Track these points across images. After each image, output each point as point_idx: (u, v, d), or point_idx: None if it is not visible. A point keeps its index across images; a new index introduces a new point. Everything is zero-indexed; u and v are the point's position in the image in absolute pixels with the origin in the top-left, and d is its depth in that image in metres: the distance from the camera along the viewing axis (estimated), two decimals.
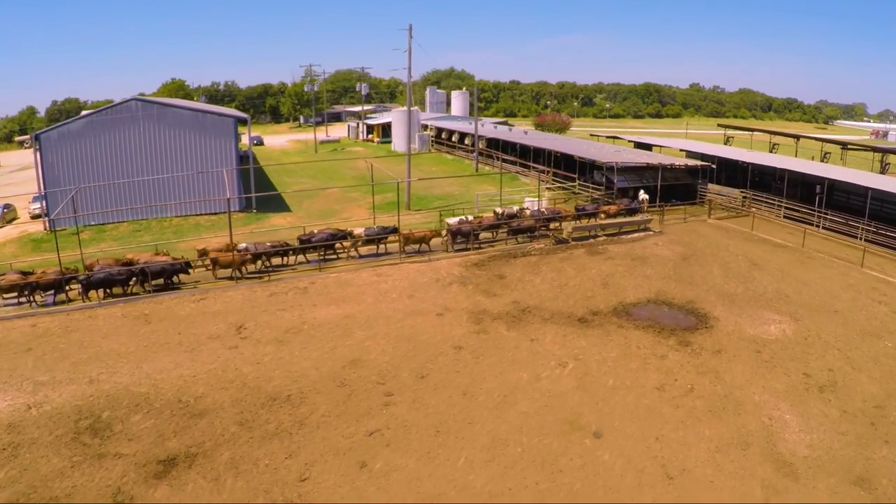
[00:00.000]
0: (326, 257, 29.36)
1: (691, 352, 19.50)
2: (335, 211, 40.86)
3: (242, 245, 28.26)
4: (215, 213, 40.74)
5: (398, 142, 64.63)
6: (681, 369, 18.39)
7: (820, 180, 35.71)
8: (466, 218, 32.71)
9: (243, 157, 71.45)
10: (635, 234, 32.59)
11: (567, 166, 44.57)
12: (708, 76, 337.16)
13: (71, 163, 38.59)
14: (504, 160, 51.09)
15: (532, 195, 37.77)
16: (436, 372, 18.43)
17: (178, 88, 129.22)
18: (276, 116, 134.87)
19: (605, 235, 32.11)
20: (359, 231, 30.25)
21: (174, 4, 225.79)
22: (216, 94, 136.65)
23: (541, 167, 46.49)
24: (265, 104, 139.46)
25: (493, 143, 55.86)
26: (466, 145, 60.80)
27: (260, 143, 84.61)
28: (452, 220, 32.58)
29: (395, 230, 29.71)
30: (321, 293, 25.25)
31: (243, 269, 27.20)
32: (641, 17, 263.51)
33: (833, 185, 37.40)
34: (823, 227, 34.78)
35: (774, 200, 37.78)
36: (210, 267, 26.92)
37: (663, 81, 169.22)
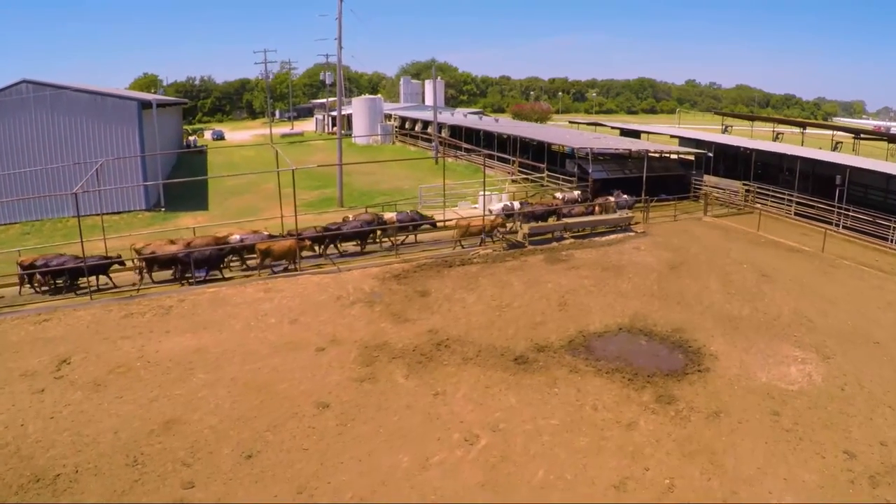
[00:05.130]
0: (363, 249, 24.73)
1: (675, 415, 12.85)
2: (259, 209, 34.27)
3: (236, 237, 23.34)
4: (117, 213, 34.53)
5: (358, 132, 58.04)
6: (657, 449, 11.74)
7: (840, 170, 29.11)
8: (511, 204, 27.84)
9: (192, 149, 65.87)
10: (612, 236, 26.01)
11: (537, 156, 37.92)
12: (704, 73, 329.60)
13: None
14: (467, 150, 44.37)
15: (490, 188, 31.15)
16: (274, 447, 11.89)
17: (149, 84, 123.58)
18: (253, 112, 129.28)
19: (572, 237, 25.48)
20: (390, 216, 25.60)
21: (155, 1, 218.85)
22: (191, 90, 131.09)
23: (492, 156, 39.79)
24: (242, 99, 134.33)
25: (458, 134, 49.17)
26: (431, 135, 54.17)
27: (220, 137, 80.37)
28: (496, 207, 27.82)
29: (430, 219, 25.99)
30: (185, 315, 18.90)
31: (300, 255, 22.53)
32: (639, 15, 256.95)
33: (848, 179, 30.89)
34: (844, 227, 28.24)
35: (784, 194, 31.18)
36: (259, 259, 22.04)
37: (659, 78, 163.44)
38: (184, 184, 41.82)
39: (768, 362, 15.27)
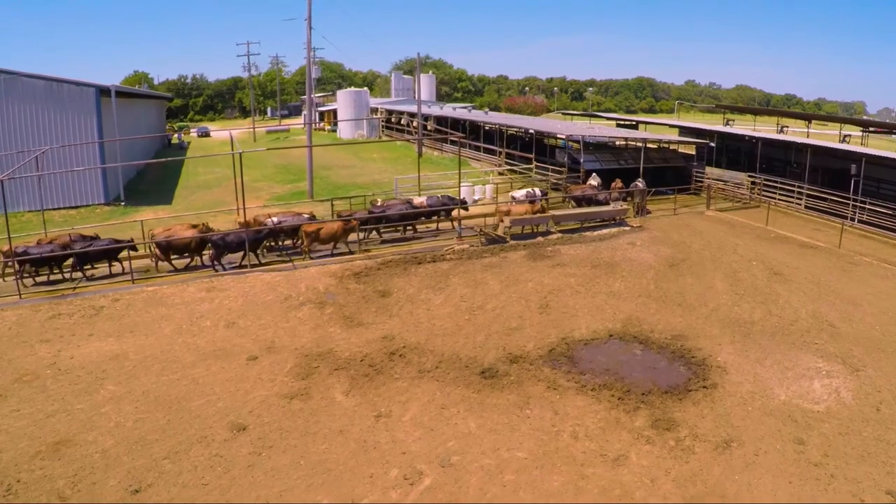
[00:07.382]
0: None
1: (675, 445, 10.27)
2: (225, 203, 31.75)
3: (274, 219, 22.16)
4: (75, 207, 32.14)
5: (343, 127, 55.51)
6: (651, 491, 9.16)
7: (855, 159, 26.56)
8: (534, 191, 26.79)
9: (172, 146, 63.41)
10: (604, 231, 23.48)
11: (527, 148, 35.39)
12: (704, 73, 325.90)
13: None
14: (453, 142, 41.79)
15: (473, 179, 28.67)
16: (168, 480, 9.42)
17: (139, 81, 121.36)
18: (245, 110, 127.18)
19: (559, 232, 22.93)
20: (419, 201, 24.18)
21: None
22: (183, 88, 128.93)
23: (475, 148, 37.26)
24: (234, 98, 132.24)
25: (444, 125, 46.63)
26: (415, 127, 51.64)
27: (206, 134, 78.50)
28: (518, 194, 26.50)
29: (462, 202, 24.24)
30: (115, 316, 16.57)
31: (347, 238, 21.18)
32: (638, 15, 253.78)
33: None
34: (860, 221, 25.73)
35: (794, 186, 28.61)
36: (305, 243, 20.63)
37: (658, 78, 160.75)
38: (151, 179, 39.52)
39: (787, 376, 12.71)
